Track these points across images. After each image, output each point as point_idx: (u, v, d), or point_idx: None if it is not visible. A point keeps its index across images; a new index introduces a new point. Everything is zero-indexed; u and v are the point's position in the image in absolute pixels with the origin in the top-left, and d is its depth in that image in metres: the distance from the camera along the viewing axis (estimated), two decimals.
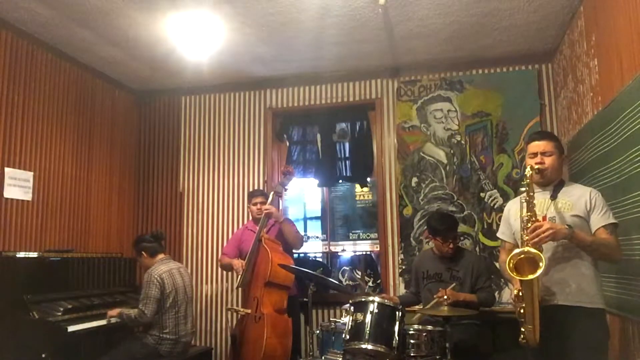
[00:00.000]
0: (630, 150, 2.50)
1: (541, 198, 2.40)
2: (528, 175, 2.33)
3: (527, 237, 2.20)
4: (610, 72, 2.88)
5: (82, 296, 3.63)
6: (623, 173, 2.62)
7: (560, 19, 3.64)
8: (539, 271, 2.11)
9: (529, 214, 2.25)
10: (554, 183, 2.45)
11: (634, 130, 2.45)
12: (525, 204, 2.28)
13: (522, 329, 2.21)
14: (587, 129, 3.26)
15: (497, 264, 4.08)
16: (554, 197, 2.40)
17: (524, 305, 2.18)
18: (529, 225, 2.23)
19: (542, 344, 2.20)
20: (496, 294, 4.02)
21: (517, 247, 2.47)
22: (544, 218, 2.33)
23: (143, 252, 3.60)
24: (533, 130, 4.12)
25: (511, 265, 2.17)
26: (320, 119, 4.76)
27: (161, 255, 3.62)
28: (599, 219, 2.30)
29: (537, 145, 2.44)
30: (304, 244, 4.11)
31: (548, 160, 2.41)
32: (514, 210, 2.55)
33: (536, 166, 2.38)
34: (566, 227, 2.22)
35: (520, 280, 2.17)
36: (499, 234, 2.71)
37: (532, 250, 2.16)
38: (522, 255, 2.17)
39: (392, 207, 4.42)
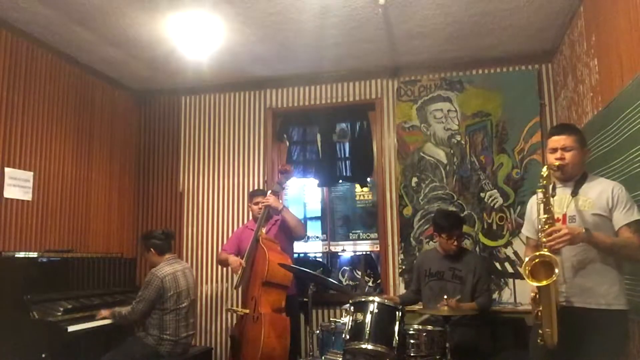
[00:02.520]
0: (630, 150, 2.50)
1: (561, 194, 2.32)
2: (544, 175, 2.24)
3: (544, 240, 2.15)
4: (610, 72, 2.88)
5: (82, 296, 3.63)
6: (623, 173, 2.62)
7: (560, 19, 3.64)
8: (554, 277, 2.06)
9: (546, 216, 2.18)
10: (575, 178, 2.33)
11: (634, 130, 2.45)
12: (542, 205, 2.21)
13: (540, 331, 2.16)
14: (587, 129, 3.26)
15: (497, 265, 4.10)
16: (574, 193, 2.30)
17: (541, 308, 2.14)
18: (546, 227, 2.16)
19: (560, 346, 2.14)
20: (496, 294, 4.03)
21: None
22: (564, 217, 2.27)
23: (152, 249, 3.59)
24: (533, 130, 4.13)
25: (527, 271, 2.13)
26: (320, 119, 4.76)
27: (168, 255, 3.61)
28: (622, 217, 2.19)
29: (557, 140, 2.32)
30: (304, 243, 4.10)
31: (568, 156, 2.29)
32: (535, 208, 2.41)
33: (556, 163, 2.27)
34: (584, 230, 2.13)
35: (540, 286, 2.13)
36: (523, 231, 2.64)
37: (546, 253, 2.11)
38: (537, 260, 2.13)
39: (392, 207, 4.42)
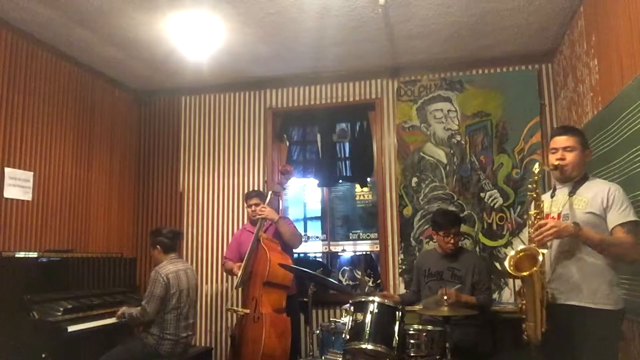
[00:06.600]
0: (630, 150, 2.50)
1: (560, 194, 2.35)
2: (536, 172, 2.28)
3: (532, 235, 2.19)
4: (610, 72, 2.88)
5: (82, 296, 3.63)
6: (623, 173, 2.62)
7: (560, 19, 3.64)
8: (535, 267, 2.09)
9: (536, 211, 2.23)
10: (575, 179, 2.33)
11: (634, 130, 2.45)
12: (532, 202, 2.26)
13: (524, 325, 2.19)
14: (587, 129, 3.26)
15: (497, 265, 4.09)
16: (572, 193, 2.30)
17: (524, 302, 2.17)
18: (535, 222, 2.20)
19: (548, 343, 2.15)
20: (496, 294, 4.03)
21: None
22: (559, 215, 2.29)
23: (158, 246, 3.59)
24: (533, 130, 4.13)
25: (511, 264, 2.15)
26: (320, 119, 4.76)
27: (172, 254, 3.62)
28: (616, 217, 2.16)
29: (559, 141, 2.34)
30: (304, 243, 4.09)
31: (569, 156, 2.31)
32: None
33: (556, 162, 2.30)
34: (573, 224, 2.14)
35: (521, 277, 2.17)
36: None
37: (529, 247, 2.16)
38: (521, 254, 2.18)
39: (392, 207, 4.42)
